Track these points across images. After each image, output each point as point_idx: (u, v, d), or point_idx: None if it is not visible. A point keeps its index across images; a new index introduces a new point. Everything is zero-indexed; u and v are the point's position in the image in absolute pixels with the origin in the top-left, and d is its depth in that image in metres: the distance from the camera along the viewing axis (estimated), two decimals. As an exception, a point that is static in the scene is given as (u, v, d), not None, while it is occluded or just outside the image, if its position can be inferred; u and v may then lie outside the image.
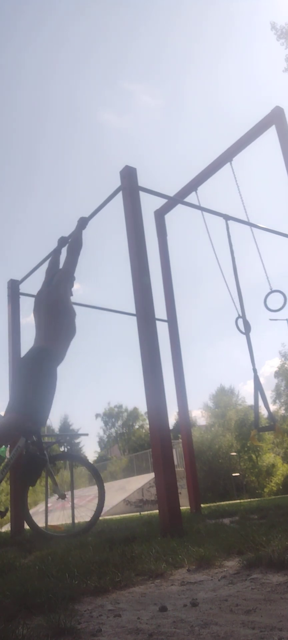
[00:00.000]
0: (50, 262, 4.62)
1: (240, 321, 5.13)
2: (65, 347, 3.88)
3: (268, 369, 58.76)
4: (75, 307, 4.49)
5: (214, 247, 5.53)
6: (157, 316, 3.82)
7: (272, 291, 5.06)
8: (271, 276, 5.23)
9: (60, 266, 4.45)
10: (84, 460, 5.63)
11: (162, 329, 6.00)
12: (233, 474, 25.27)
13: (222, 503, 12.16)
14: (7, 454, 4.38)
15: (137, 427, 52.43)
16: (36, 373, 3.50)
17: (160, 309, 6.02)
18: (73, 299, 4.60)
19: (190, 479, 5.74)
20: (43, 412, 3.49)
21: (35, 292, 5.69)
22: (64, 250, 4.63)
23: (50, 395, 3.56)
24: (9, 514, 4.79)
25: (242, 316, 4.96)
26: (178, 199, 5.88)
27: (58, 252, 4.67)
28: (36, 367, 3.53)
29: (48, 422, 4.98)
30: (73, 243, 4.38)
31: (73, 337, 3.97)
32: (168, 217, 6.56)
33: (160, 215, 6.51)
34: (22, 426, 3.55)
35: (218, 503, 13.61)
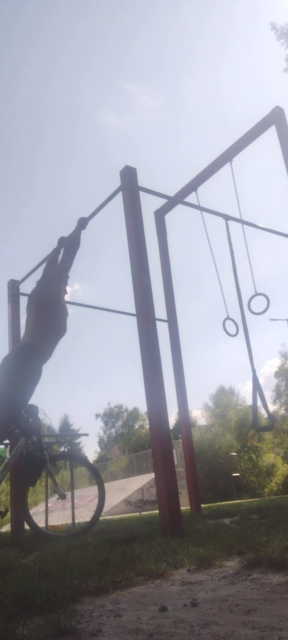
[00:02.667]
0: (48, 261, 4.62)
1: (228, 322, 5.18)
2: (53, 346, 3.88)
3: (268, 369, 58.78)
4: (76, 308, 4.51)
5: (213, 247, 5.54)
6: (157, 316, 3.82)
7: (256, 294, 5.06)
8: (271, 276, 5.26)
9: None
10: (84, 461, 5.64)
11: (162, 329, 6.00)
12: (234, 474, 25.25)
13: (222, 503, 12.16)
14: (7, 454, 4.38)
15: (137, 427, 52.43)
16: (19, 370, 3.49)
17: (160, 309, 6.02)
18: (73, 299, 4.61)
19: (190, 479, 5.74)
20: (18, 403, 3.54)
21: (35, 292, 5.69)
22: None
23: (30, 392, 3.57)
24: (9, 514, 4.79)
25: (243, 316, 4.96)
26: (179, 199, 5.88)
27: (57, 252, 4.67)
28: (20, 364, 3.52)
29: (48, 422, 4.98)
30: (70, 242, 4.37)
31: (62, 336, 3.97)
32: (169, 217, 6.56)
33: (160, 215, 6.51)
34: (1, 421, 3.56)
35: (218, 503, 13.61)
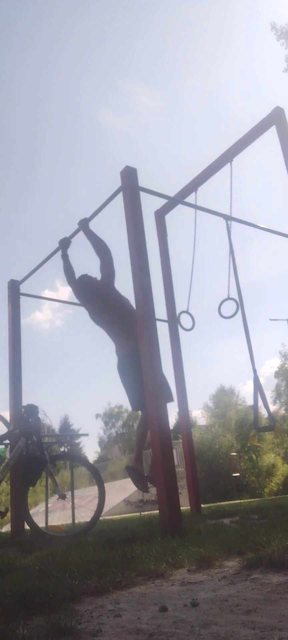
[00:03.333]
0: (65, 271, 4.65)
1: (183, 315, 5.27)
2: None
3: (268, 369, 58.84)
4: (76, 308, 4.54)
5: (212, 247, 5.54)
6: (157, 316, 3.82)
7: (227, 299, 5.08)
8: (270, 276, 5.24)
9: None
10: (84, 461, 5.64)
11: (162, 329, 6.00)
12: (234, 474, 25.25)
13: (222, 503, 12.16)
14: (8, 454, 4.39)
15: (137, 427, 52.38)
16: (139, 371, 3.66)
17: (160, 309, 6.02)
18: (73, 299, 4.62)
19: (190, 479, 5.74)
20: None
21: (35, 293, 5.70)
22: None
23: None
24: (9, 514, 4.79)
25: (243, 316, 4.96)
26: (179, 199, 5.87)
27: (66, 257, 4.69)
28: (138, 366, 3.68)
29: (48, 422, 4.99)
30: (98, 249, 4.41)
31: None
32: (169, 218, 6.56)
33: (160, 215, 6.51)
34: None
35: (218, 503, 13.61)
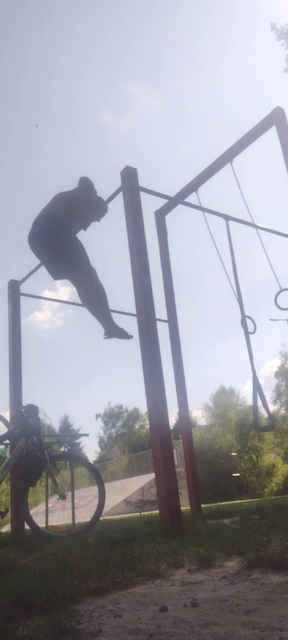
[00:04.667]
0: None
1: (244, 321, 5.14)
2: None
3: (268, 369, 58.82)
4: (76, 308, 4.57)
5: (216, 247, 5.52)
6: (157, 316, 3.82)
7: (283, 289, 5.07)
8: (270, 276, 5.23)
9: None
10: (84, 461, 5.64)
11: (163, 329, 6.00)
12: (234, 474, 25.25)
13: (223, 503, 12.16)
14: (8, 454, 4.38)
15: (137, 427, 52.43)
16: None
17: (160, 309, 6.02)
18: (73, 299, 4.62)
19: (190, 479, 5.74)
20: None
21: (35, 293, 5.70)
22: None
23: None
24: (9, 514, 4.79)
25: (242, 315, 4.95)
26: (179, 199, 5.88)
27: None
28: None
29: (48, 422, 4.99)
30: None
31: None
32: (169, 218, 6.56)
33: (160, 215, 6.52)
34: None
35: (218, 503, 13.61)
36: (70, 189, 4.58)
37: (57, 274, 4.46)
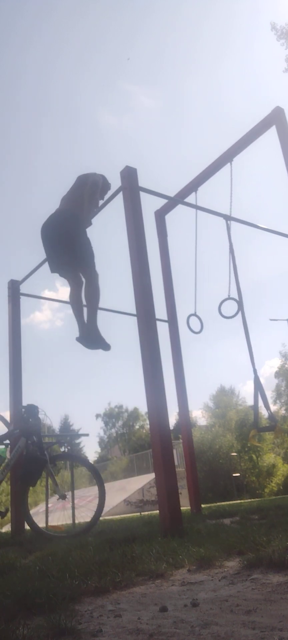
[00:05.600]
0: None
1: (191, 318, 5.29)
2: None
3: (268, 369, 58.85)
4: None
5: (212, 247, 5.54)
6: (157, 316, 3.82)
7: (228, 298, 5.09)
8: (270, 276, 5.24)
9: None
10: (84, 461, 5.64)
11: (163, 329, 6.00)
12: (234, 474, 25.26)
13: (223, 503, 12.16)
14: (8, 454, 4.38)
15: (137, 427, 52.43)
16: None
17: (160, 309, 6.02)
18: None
19: (190, 479, 5.74)
20: None
21: (35, 293, 5.70)
22: None
23: None
24: (9, 514, 4.79)
25: (243, 315, 4.96)
26: (179, 199, 5.88)
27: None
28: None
29: (48, 422, 4.99)
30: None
31: None
32: (169, 218, 6.56)
33: (160, 215, 6.51)
34: None
35: (218, 503, 13.61)
36: (90, 176, 4.74)
37: (57, 267, 4.54)
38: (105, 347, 4.48)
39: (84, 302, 4.52)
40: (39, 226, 4.58)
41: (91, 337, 4.42)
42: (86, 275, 4.46)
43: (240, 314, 4.98)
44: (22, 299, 5.58)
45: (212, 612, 1.29)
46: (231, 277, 5.06)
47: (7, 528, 10.37)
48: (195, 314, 5.48)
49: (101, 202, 4.77)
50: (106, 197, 4.73)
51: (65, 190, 4.76)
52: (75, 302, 4.54)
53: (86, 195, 4.56)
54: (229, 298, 5.07)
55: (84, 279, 4.50)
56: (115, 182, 4.28)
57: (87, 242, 4.47)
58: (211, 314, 5.44)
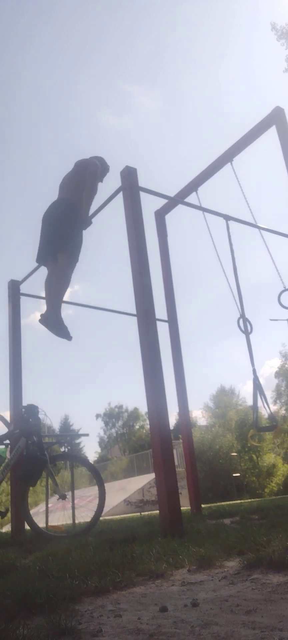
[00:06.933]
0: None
1: (241, 321, 5.13)
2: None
3: (268, 369, 58.82)
4: (76, 308, 4.64)
5: (215, 247, 5.53)
6: (157, 316, 3.82)
7: (286, 289, 5.09)
8: (270, 276, 5.24)
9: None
10: (84, 461, 5.64)
11: (163, 329, 6.00)
12: (234, 474, 25.25)
13: (223, 503, 12.15)
14: (8, 455, 4.39)
15: (137, 427, 52.42)
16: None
17: (160, 309, 6.02)
18: (73, 299, 4.65)
19: (190, 479, 5.74)
20: None
21: (35, 293, 5.72)
22: None
23: None
24: (9, 514, 4.79)
25: (242, 316, 4.96)
26: (179, 199, 5.88)
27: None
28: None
29: (48, 422, 5.00)
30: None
31: None
32: (169, 218, 6.56)
33: (160, 215, 6.51)
34: None
35: (218, 503, 13.60)
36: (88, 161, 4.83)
37: (44, 253, 4.66)
38: (68, 337, 4.50)
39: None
40: (39, 223, 4.64)
41: (54, 321, 4.42)
42: (62, 259, 4.47)
43: (240, 314, 4.97)
44: (22, 299, 5.58)
45: (212, 612, 1.29)
46: (230, 277, 5.06)
47: (7, 528, 10.37)
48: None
49: (100, 184, 4.86)
50: (105, 179, 4.87)
51: (61, 177, 4.85)
52: (48, 283, 4.61)
53: (87, 181, 4.61)
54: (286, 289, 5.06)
55: (58, 263, 4.53)
56: (115, 182, 4.28)
57: (78, 236, 4.53)
58: (211, 314, 5.43)
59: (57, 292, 4.48)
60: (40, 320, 4.45)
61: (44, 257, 4.68)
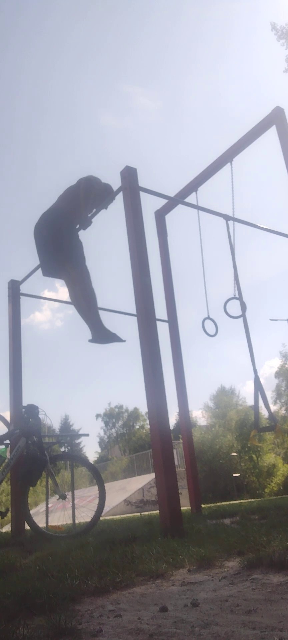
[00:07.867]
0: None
1: (207, 322, 5.34)
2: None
3: (268, 369, 58.87)
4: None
5: (212, 247, 5.55)
6: (157, 316, 3.82)
7: (233, 298, 5.11)
8: (271, 276, 5.24)
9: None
10: (84, 461, 5.63)
11: (163, 329, 6.00)
12: (234, 475, 25.26)
13: (223, 503, 12.15)
14: (8, 455, 4.38)
15: (137, 427, 52.42)
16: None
17: (160, 309, 6.02)
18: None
19: (190, 480, 5.74)
20: None
21: (35, 293, 5.71)
22: None
23: None
24: (9, 514, 4.79)
25: (239, 297, 4.99)
26: (179, 199, 5.87)
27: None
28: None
29: (48, 423, 4.99)
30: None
31: None
32: (169, 218, 6.56)
33: (160, 215, 6.51)
34: None
35: (218, 503, 13.61)
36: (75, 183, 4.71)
37: (49, 270, 4.57)
38: (119, 339, 4.46)
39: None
40: (32, 233, 4.59)
41: (100, 335, 4.41)
42: (75, 275, 4.42)
43: (242, 314, 4.98)
44: (22, 299, 5.58)
45: (212, 612, 1.29)
46: (232, 277, 5.06)
47: (7, 528, 10.37)
48: (208, 317, 5.44)
49: (104, 209, 4.74)
50: (110, 205, 4.71)
51: (61, 177, 4.83)
52: (74, 301, 4.54)
53: (81, 193, 4.58)
54: (234, 298, 5.08)
55: (72, 278, 4.47)
56: (115, 182, 4.28)
57: (74, 241, 4.45)
58: (211, 313, 5.44)
59: (90, 307, 4.42)
60: (90, 341, 4.45)
61: (49, 270, 4.60)
